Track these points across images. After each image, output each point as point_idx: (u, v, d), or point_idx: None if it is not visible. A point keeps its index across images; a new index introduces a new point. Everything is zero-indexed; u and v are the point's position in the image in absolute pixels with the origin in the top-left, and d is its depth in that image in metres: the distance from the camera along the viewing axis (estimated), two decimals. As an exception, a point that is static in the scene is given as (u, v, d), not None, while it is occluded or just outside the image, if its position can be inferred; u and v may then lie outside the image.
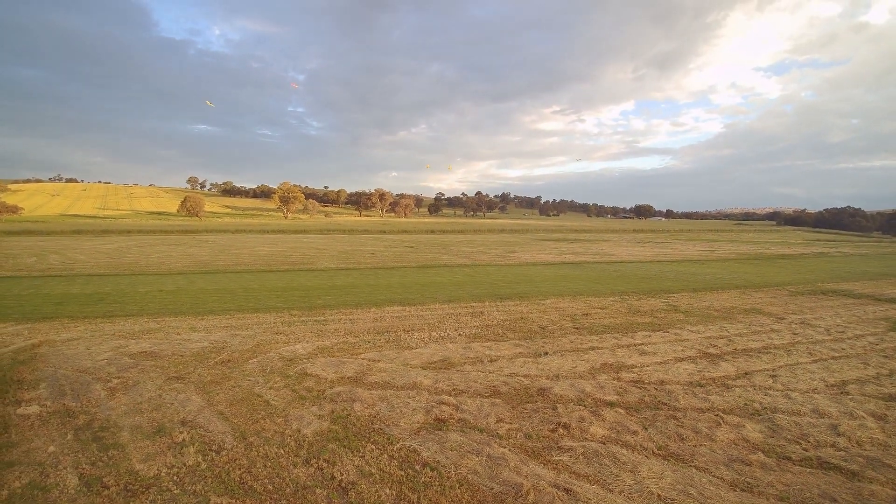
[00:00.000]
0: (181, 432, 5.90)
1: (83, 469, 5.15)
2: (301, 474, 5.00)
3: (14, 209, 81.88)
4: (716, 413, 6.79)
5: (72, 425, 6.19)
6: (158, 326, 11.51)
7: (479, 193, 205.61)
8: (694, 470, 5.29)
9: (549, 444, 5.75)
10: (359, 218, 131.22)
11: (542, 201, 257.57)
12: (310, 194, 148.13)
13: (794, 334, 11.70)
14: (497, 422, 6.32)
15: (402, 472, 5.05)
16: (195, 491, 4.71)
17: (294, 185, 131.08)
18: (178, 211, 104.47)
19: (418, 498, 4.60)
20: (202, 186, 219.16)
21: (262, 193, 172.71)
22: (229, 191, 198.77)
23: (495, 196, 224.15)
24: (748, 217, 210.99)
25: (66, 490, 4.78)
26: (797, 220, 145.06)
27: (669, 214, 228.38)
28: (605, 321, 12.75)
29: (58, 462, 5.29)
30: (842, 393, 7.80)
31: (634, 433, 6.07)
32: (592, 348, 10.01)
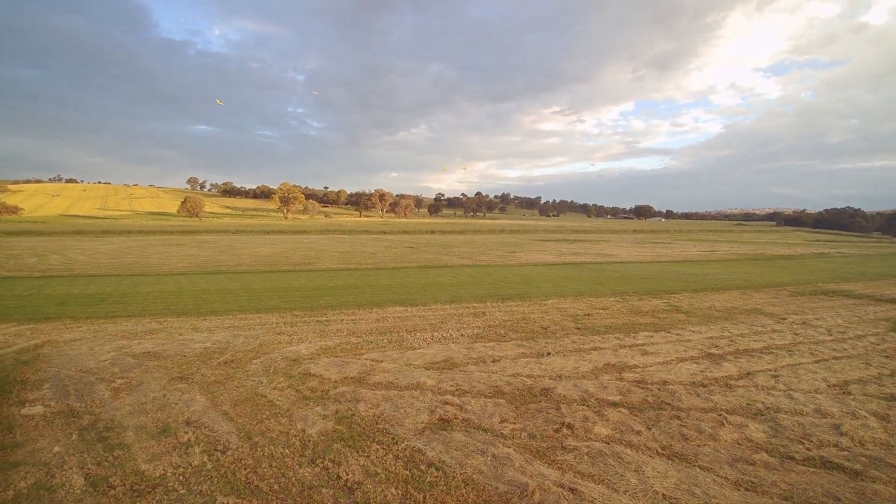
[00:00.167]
0: (186, 432, 5.91)
1: (89, 469, 5.16)
2: (307, 474, 5.02)
3: (14, 209, 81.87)
4: (719, 413, 6.81)
5: (76, 425, 6.20)
6: (161, 327, 11.52)
7: (478, 194, 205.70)
8: (698, 469, 5.30)
9: (553, 444, 5.77)
10: (359, 218, 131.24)
11: (541, 202, 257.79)
12: (310, 195, 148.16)
13: (796, 335, 11.72)
14: (501, 422, 6.33)
15: (408, 472, 5.07)
16: (201, 491, 4.72)
17: (294, 185, 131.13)
18: (178, 211, 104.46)
19: (424, 498, 4.62)
20: (202, 187, 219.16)
21: (262, 194, 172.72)
22: (229, 191, 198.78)
23: (495, 196, 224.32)
24: (748, 217, 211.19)
25: (71, 490, 4.79)
26: (797, 220, 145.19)
27: (669, 215, 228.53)
28: (606, 321, 12.77)
29: (63, 462, 5.30)
30: (844, 393, 7.83)
31: (638, 433, 6.09)
32: (595, 348, 10.03)
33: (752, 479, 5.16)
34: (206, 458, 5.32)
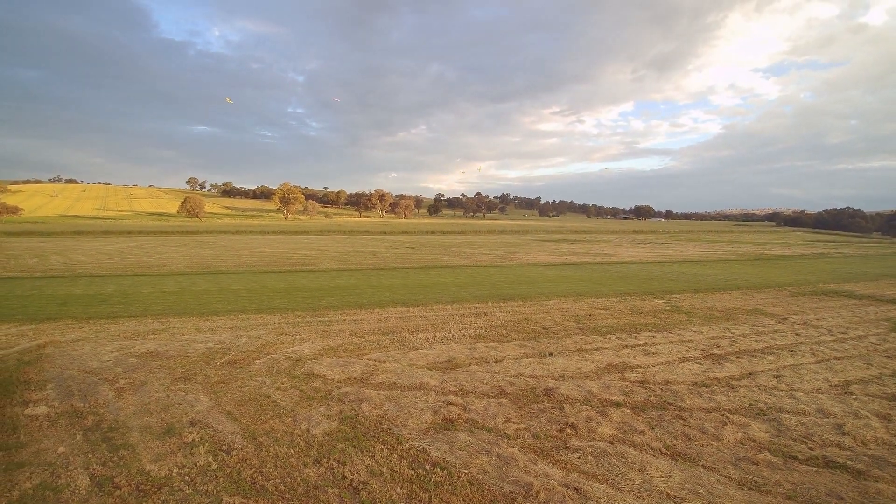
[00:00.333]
0: (191, 433, 5.92)
1: (94, 469, 5.17)
2: (312, 474, 5.03)
3: (14, 210, 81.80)
4: (721, 413, 6.83)
5: (80, 426, 6.21)
6: (163, 327, 11.53)
7: (478, 194, 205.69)
8: (702, 469, 5.32)
9: (557, 444, 5.78)
10: (359, 219, 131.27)
11: (541, 202, 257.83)
12: (310, 195, 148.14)
13: (797, 335, 11.74)
14: (505, 422, 6.35)
15: (413, 472, 5.08)
16: (207, 491, 4.73)
17: (294, 185, 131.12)
18: (178, 212, 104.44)
19: (429, 497, 4.63)
20: (202, 187, 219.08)
21: (262, 194, 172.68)
22: (229, 192, 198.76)
23: (495, 197, 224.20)
24: (747, 218, 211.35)
25: (77, 491, 4.80)
26: (797, 220, 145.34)
27: (669, 215, 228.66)
28: (608, 322, 12.79)
29: (68, 462, 5.31)
30: (846, 393, 7.85)
31: (641, 433, 6.11)
32: (597, 349, 10.05)
33: (756, 478, 5.18)
34: (211, 459, 5.33)
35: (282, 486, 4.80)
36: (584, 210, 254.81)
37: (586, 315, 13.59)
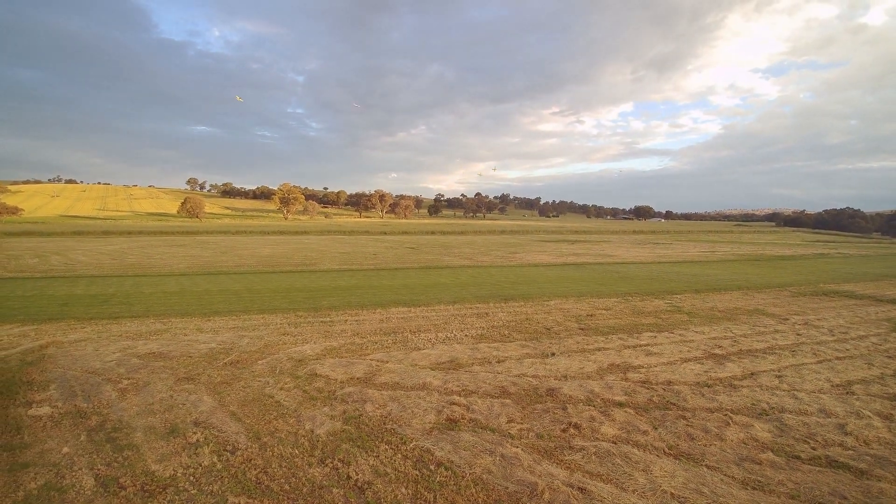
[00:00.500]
0: (195, 433, 5.93)
1: (98, 470, 5.17)
2: (317, 474, 5.04)
3: (14, 210, 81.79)
4: (724, 413, 6.84)
5: (84, 426, 6.22)
6: (165, 327, 11.54)
7: (478, 194, 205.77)
8: (705, 469, 5.33)
9: (561, 444, 5.79)
10: (359, 219, 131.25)
11: (541, 202, 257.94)
12: (309, 195, 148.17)
13: (798, 335, 11.76)
14: (508, 422, 6.36)
15: (417, 472, 5.09)
16: (212, 491, 4.74)
17: (294, 186, 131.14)
18: (178, 212, 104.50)
19: (434, 497, 4.64)
20: (202, 187, 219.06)
21: (262, 195, 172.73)
22: (229, 192, 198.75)
23: (495, 197, 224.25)
24: (747, 218, 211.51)
25: (82, 491, 4.81)
26: (796, 221, 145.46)
27: (669, 215, 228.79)
28: (609, 322, 12.80)
29: (72, 463, 5.32)
30: (847, 393, 7.87)
31: (645, 433, 6.12)
32: (599, 349, 10.06)
33: (759, 478, 5.19)
34: (215, 459, 5.34)
35: (287, 486, 4.82)
36: (584, 210, 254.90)
37: (588, 315, 13.61)
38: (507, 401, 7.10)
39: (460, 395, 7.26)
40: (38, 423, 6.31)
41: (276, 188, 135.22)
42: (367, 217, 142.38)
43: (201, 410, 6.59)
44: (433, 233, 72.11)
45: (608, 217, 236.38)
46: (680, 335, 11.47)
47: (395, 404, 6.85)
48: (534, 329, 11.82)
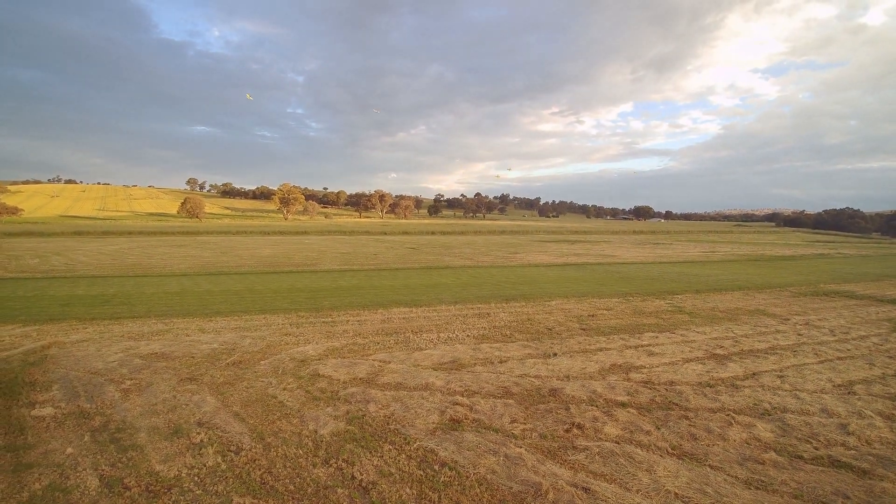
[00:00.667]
0: (199, 433, 5.94)
1: (103, 470, 5.18)
2: (321, 474, 5.05)
3: (14, 210, 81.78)
4: (727, 413, 6.86)
5: (88, 427, 6.22)
6: (167, 328, 11.54)
7: (478, 195, 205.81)
8: (708, 469, 5.35)
9: (564, 444, 5.81)
10: (359, 219, 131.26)
11: (541, 202, 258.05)
12: (309, 196, 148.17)
13: (799, 335, 11.78)
14: (511, 422, 6.37)
15: (422, 472, 5.10)
16: (217, 491, 4.75)
17: (294, 186, 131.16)
18: (178, 212, 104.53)
19: (439, 497, 4.65)
20: (201, 188, 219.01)
21: (262, 195, 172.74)
22: (229, 192, 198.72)
23: (494, 197, 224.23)
24: (747, 218, 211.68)
25: (87, 492, 4.81)
26: (796, 221, 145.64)
27: (668, 216, 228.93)
28: (611, 322, 12.82)
29: (77, 464, 5.32)
30: (849, 393, 7.88)
31: (648, 433, 6.13)
32: (601, 349, 10.08)
33: (763, 478, 5.20)
34: (220, 459, 5.35)
35: (291, 487, 4.82)
36: (584, 210, 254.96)
37: (589, 315, 13.63)
38: (510, 401, 7.11)
39: (463, 396, 7.27)
40: (42, 424, 6.31)
41: (275, 188, 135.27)
42: (367, 217, 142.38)
43: (205, 411, 6.60)
44: (433, 233, 72.13)
45: (608, 217, 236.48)
46: (681, 335, 11.48)
47: (398, 405, 6.86)
48: (535, 329, 11.84)
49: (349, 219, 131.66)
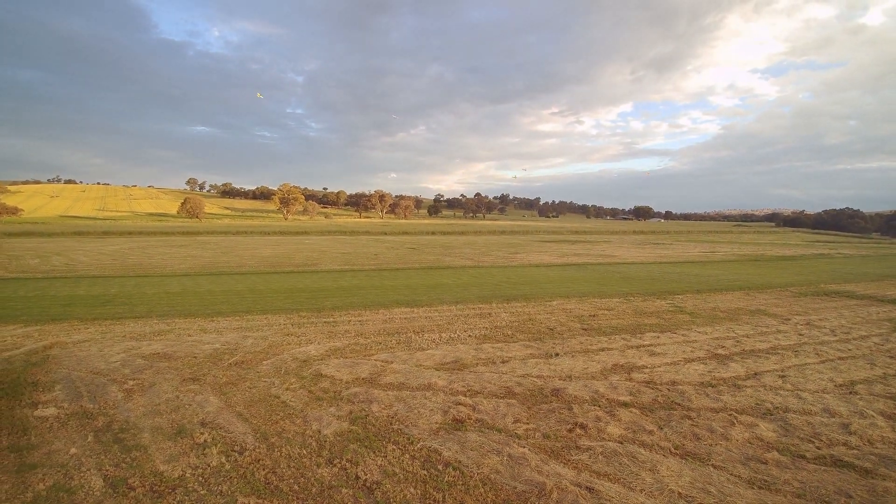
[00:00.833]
0: (202, 433, 5.94)
1: (107, 471, 5.19)
2: (325, 474, 5.06)
3: (14, 210, 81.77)
4: (729, 413, 6.87)
5: (91, 427, 6.23)
6: (169, 328, 11.55)
7: (478, 195, 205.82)
8: (711, 468, 5.36)
9: (567, 444, 5.82)
10: (359, 219, 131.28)
11: (541, 202, 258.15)
12: (309, 196, 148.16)
13: (800, 335, 11.80)
14: (514, 422, 6.38)
15: (426, 472, 5.11)
16: (222, 491, 4.76)
17: (294, 186, 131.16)
18: (178, 212, 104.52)
19: (443, 497, 4.66)
20: (201, 188, 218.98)
21: (262, 195, 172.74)
22: (228, 192, 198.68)
23: (494, 197, 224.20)
24: (747, 218, 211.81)
25: (91, 492, 4.82)
26: (796, 221, 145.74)
27: (668, 216, 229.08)
28: (612, 322, 12.83)
29: (80, 464, 5.32)
30: (851, 393, 7.90)
31: (651, 433, 6.15)
32: (602, 349, 10.09)
33: (766, 477, 5.22)
34: (223, 459, 5.36)
35: (296, 487, 4.83)
36: (584, 210, 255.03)
37: (590, 315, 13.64)
38: (513, 401, 7.12)
39: (466, 396, 7.28)
40: (45, 424, 6.32)
41: (275, 188, 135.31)
42: (367, 217, 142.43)
43: (208, 411, 6.60)
44: (433, 233, 72.16)
45: (608, 217, 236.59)
46: (683, 335, 11.50)
47: (401, 404, 6.87)
48: (537, 329, 11.85)
49: (349, 219, 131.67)
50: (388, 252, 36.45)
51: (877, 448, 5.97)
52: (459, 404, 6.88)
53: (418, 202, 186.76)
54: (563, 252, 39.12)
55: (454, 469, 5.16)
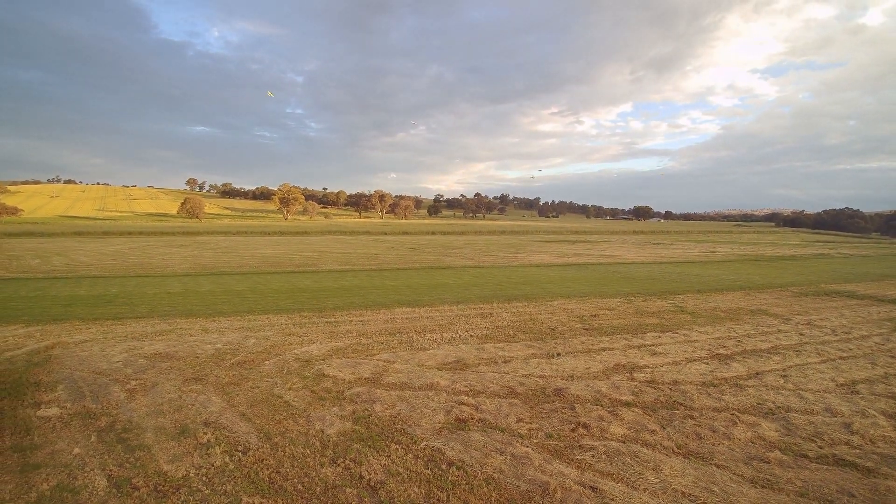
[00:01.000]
0: (205, 433, 5.95)
1: (111, 471, 5.19)
2: (329, 474, 5.07)
3: (14, 210, 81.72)
4: (731, 412, 6.88)
5: (94, 427, 6.23)
6: (170, 328, 11.55)
7: (478, 195, 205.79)
8: (714, 468, 5.37)
9: (570, 444, 5.83)
10: (359, 219, 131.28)
11: (541, 202, 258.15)
12: (309, 196, 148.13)
13: (802, 335, 11.81)
14: (517, 421, 6.39)
15: (429, 472, 5.12)
16: (226, 491, 4.77)
17: (293, 186, 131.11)
18: (178, 212, 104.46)
19: (447, 496, 4.67)
20: (201, 188, 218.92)
21: (262, 195, 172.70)
22: (228, 192, 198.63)
23: (494, 197, 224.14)
24: (747, 218, 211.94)
25: (95, 492, 4.82)
26: (796, 221, 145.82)
27: (668, 216, 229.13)
28: (613, 322, 12.84)
29: (84, 464, 5.33)
30: (852, 392, 7.91)
31: (653, 432, 6.16)
32: (604, 349, 10.10)
33: (768, 476, 5.23)
34: (227, 459, 5.36)
35: (300, 486, 4.84)
36: (584, 210, 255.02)
37: (591, 315, 13.65)
38: (515, 401, 7.13)
39: (468, 395, 7.29)
40: (48, 424, 6.32)
41: (275, 188, 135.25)
42: (367, 217, 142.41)
43: (211, 411, 6.61)
44: (433, 233, 72.17)
45: (608, 217, 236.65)
46: (684, 335, 11.51)
47: (403, 404, 6.88)
48: (538, 329, 11.86)
49: (349, 219, 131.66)
50: (388, 252, 36.45)
51: (879, 447, 5.99)
52: (462, 404, 6.89)
53: (418, 202, 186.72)
54: (564, 252, 39.14)
55: (458, 468, 5.17)
